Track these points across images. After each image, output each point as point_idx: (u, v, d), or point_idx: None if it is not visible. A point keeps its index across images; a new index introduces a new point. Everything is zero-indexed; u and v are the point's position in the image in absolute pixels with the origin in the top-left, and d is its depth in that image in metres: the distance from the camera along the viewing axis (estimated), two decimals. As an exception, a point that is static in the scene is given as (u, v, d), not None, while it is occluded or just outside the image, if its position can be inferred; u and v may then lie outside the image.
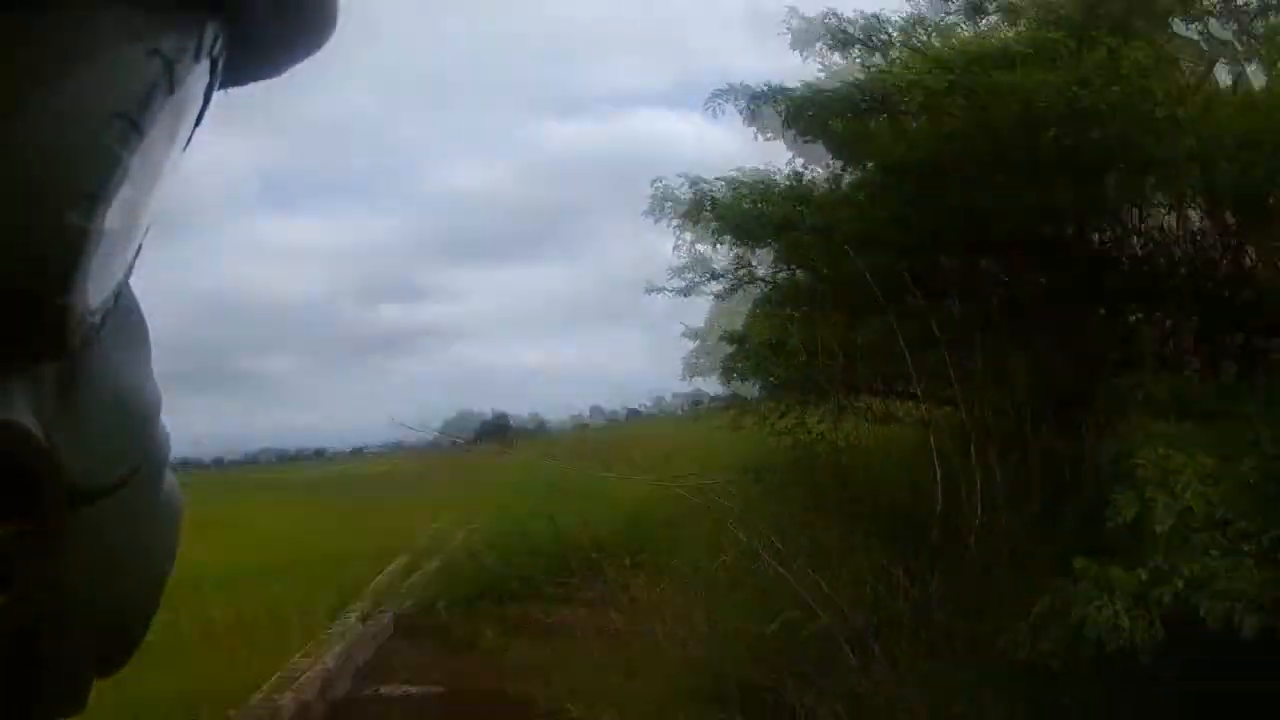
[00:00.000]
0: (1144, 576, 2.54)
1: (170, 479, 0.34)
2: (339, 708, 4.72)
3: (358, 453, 30.95)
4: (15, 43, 0.23)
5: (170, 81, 0.26)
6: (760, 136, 4.56)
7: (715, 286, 5.37)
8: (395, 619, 6.16)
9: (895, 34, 4.22)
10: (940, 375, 3.65)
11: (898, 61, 3.98)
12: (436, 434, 7.04)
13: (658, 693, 3.38)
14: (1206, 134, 3.27)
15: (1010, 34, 4.19)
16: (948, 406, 3.85)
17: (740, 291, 5.44)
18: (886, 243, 4.01)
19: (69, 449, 0.26)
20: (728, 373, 5.68)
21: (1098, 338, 3.86)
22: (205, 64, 0.28)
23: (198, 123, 0.31)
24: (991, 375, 3.55)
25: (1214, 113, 3.52)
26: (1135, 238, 4.25)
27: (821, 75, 4.34)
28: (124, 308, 0.30)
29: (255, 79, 0.35)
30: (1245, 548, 2.51)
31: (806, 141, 4.44)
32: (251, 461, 33.53)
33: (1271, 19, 3.95)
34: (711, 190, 4.58)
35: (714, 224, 4.61)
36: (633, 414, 19.48)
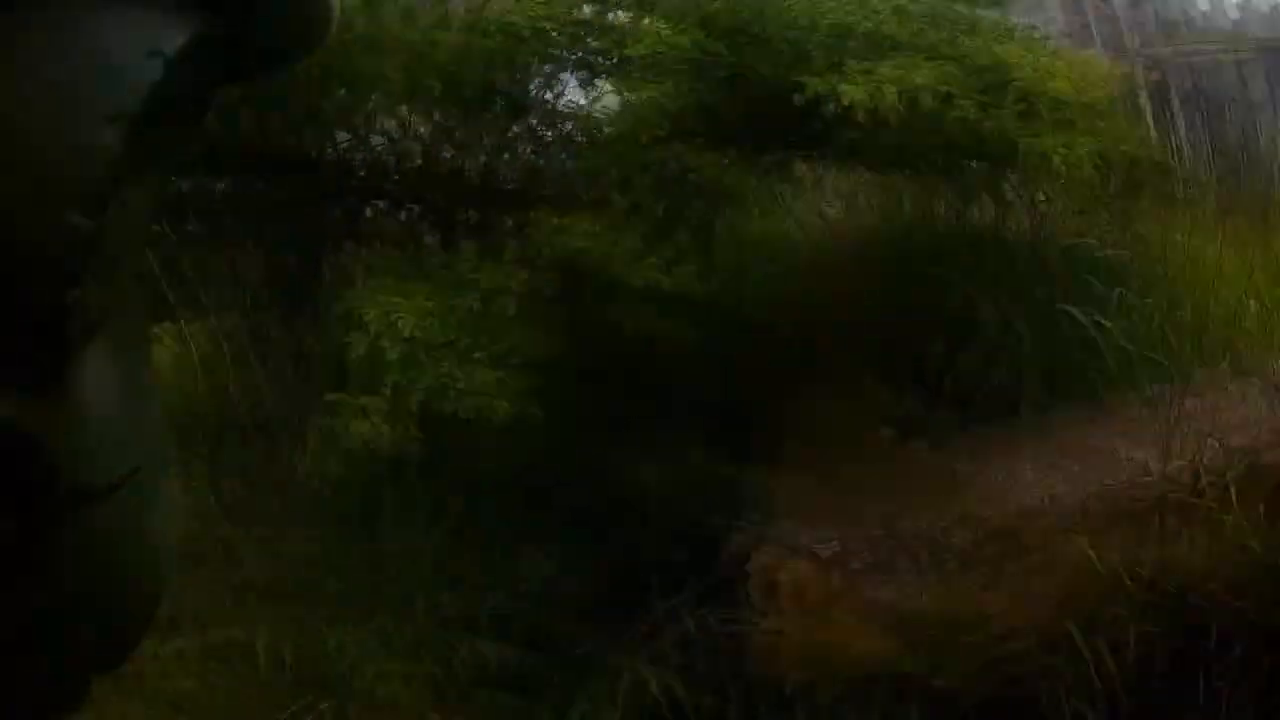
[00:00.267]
0: (387, 393, 3.14)
1: (169, 483, 0.34)
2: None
3: None
4: (13, 42, 0.23)
5: (170, 81, 0.26)
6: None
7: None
8: None
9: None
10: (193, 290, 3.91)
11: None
12: None
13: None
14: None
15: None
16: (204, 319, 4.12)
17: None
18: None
19: (66, 449, 0.26)
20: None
21: (334, 231, 4.39)
22: (205, 63, 0.28)
23: (198, 122, 0.32)
24: (238, 281, 3.94)
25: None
26: (366, 145, 4.52)
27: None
28: (123, 310, 0.30)
29: (254, 78, 0.35)
30: (476, 356, 3.20)
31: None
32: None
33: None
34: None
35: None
36: None
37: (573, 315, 3.53)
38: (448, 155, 4.45)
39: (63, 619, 0.29)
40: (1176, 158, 4.35)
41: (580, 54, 3.80)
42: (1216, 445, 3.32)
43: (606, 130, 3.58)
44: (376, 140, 4.67)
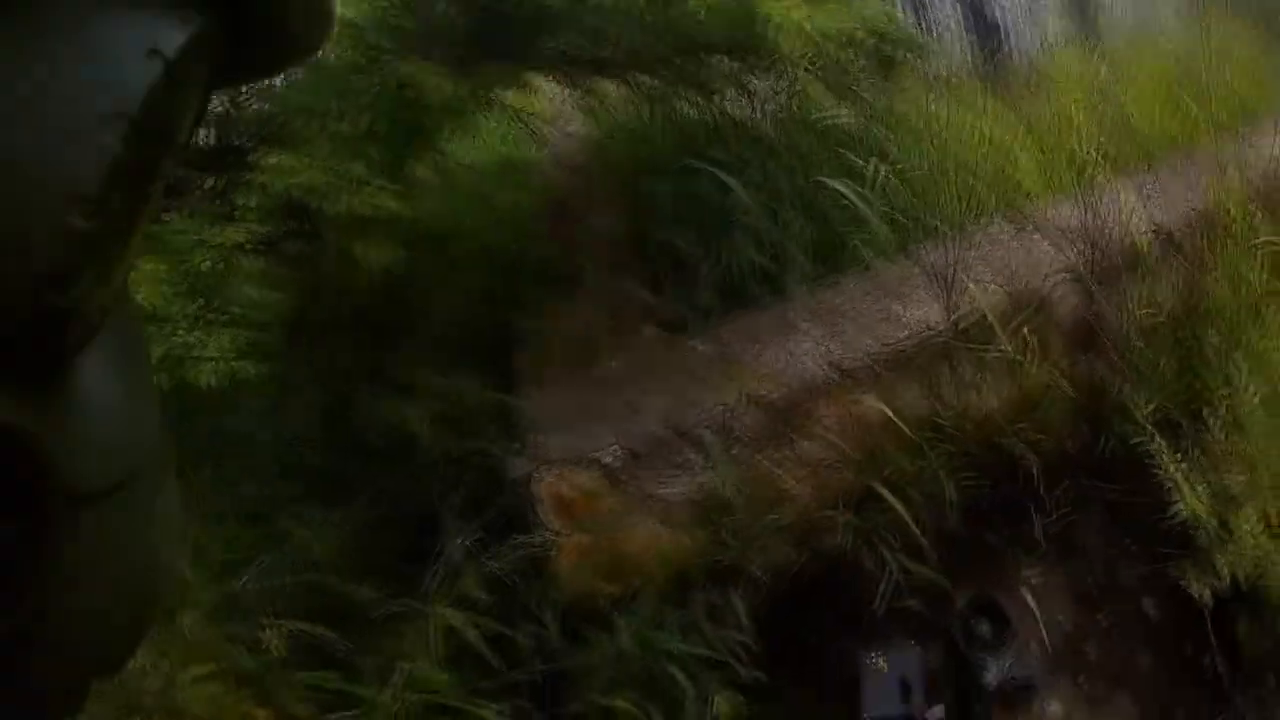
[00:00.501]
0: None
1: (170, 485, 0.33)
2: None
3: None
4: (13, 43, 0.22)
5: (169, 81, 0.25)
6: None
7: None
8: None
9: None
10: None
11: None
12: None
13: None
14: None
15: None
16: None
17: None
18: None
19: (65, 451, 0.25)
20: None
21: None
22: (204, 63, 0.28)
23: (197, 122, 0.30)
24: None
25: None
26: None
27: None
28: (123, 311, 0.29)
29: (253, 78, 0.35)
30: (211, 318, 3.09)
31: None
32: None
33: None
34: None
35: None
36: None
37: (313, 260, 3.30)
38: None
39: (60, 622, 0.27)
40: (933, 36, 4.29)
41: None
42: (1003, 292, 3.18)
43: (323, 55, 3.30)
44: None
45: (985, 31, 4.33)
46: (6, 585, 0.25)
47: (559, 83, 3.69)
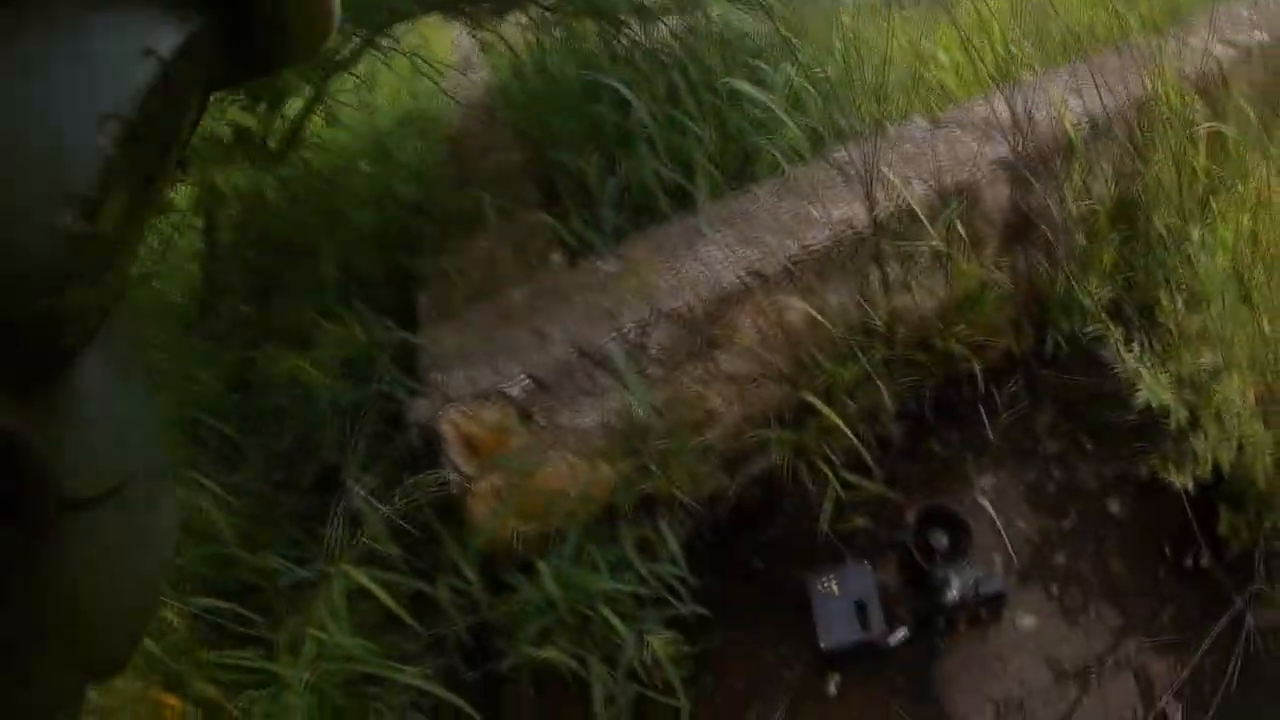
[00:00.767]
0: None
1: (167, 491, 0.31)
2: None
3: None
4: (5, 43, 0.21)
5: (165, 81, 0.24)
6: None
7: None
8: None
9: None
10: None
11: None
12: None
13: None
14: None
15: None
16: None
17: None
18: None
19: (59, 455, 0.24)
20: None
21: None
22: (202, 63, 0.26)
23: (196, 123, 0.28)
24: None
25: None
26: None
27: None
28: (120, 315, 0.27)
29: (253, 78, 0.31)
30: None
31: None
32: None
33: None
34: None
35: None
36: None
37: (209, 215, 3.02)
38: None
39: (56, 626, 0.26)
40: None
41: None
42: (928, 186, 2.87)
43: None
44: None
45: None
46: (1, 589, 0.23)
47: (462, 25, 3.42)
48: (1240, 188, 2.90)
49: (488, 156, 3.20)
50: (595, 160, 2.97)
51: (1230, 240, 2.75)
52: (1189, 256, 2.68)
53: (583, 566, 2.66)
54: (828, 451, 2.84)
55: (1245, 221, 2.71)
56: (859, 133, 2.84)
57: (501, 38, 3.31)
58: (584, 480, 2.72)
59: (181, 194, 2.65)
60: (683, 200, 2.95)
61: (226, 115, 2.50)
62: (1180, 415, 2.57)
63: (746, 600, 2.91)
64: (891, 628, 2.76)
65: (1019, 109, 2.98)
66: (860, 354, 2.81)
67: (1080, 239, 3.00)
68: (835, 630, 2.74)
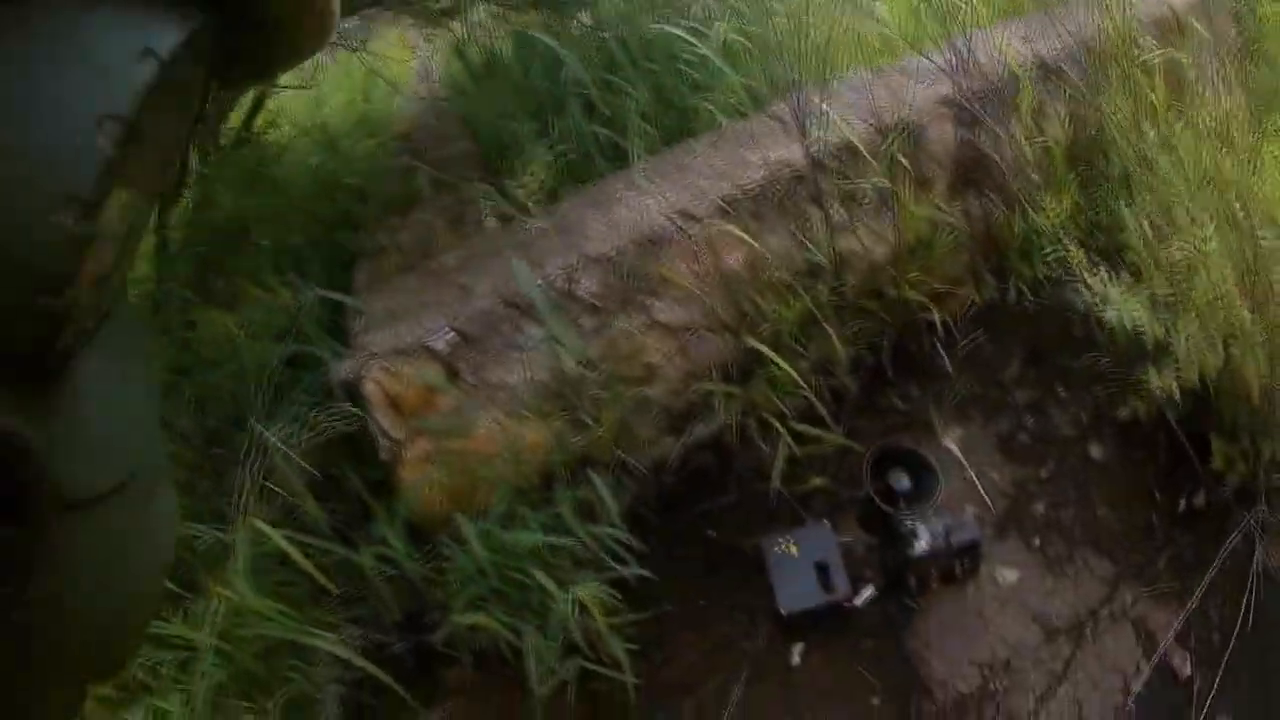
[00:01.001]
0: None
1: (167, 489, 0.29)
2: None
3: None
4: (5, 44, 0.20)
5: (165, 82, 0.23)
6: None
7: None
8: None
9: None
10: None
11: None
12: None
13: None
14: None
15: None
16: None
17: None
18: None
19: (62, 455, 0.22)
20: None
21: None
22: (201, 64, 0.25)
23: (196, 123, 0.27)
24: None
25: None
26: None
27: None
28: (121, 314, 0.26)
29: (253, 79, 0.30)
30: None
31: None
32: None
33: None
34: None
35: None
36: None
37: (161, 214, 2.89)
38: None
39: (57, 625, 0.25)
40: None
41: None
42: (868, 125, 2.66)
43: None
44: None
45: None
46: (2, 589, 0.22)
47: (416, 26, 3.35)
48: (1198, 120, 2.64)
49: (437, 147, 3.07)
50: (528, 126, 2.82)
51: (1192, 145, 2.46)
52: (1149, 158, 2.39)
53: (515, 529, 2.37)
54: (779, 404, 2.55)
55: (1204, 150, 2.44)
56: (798, 83, 2.65)
57: (453, 33, 3.22)
58: (516, 441, 2.46)
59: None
60: (621, 162, 2.77)
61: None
62: (1155, 330, 2.26)
63: (700, 570, 2.58)
64: (856, 588, 2.42)
65: (963, 53, 2.78)
66: (806, 298, 2.55)
67: (1036, 178, 2.75)
68: (795, 594, 2.40)
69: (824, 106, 2.59)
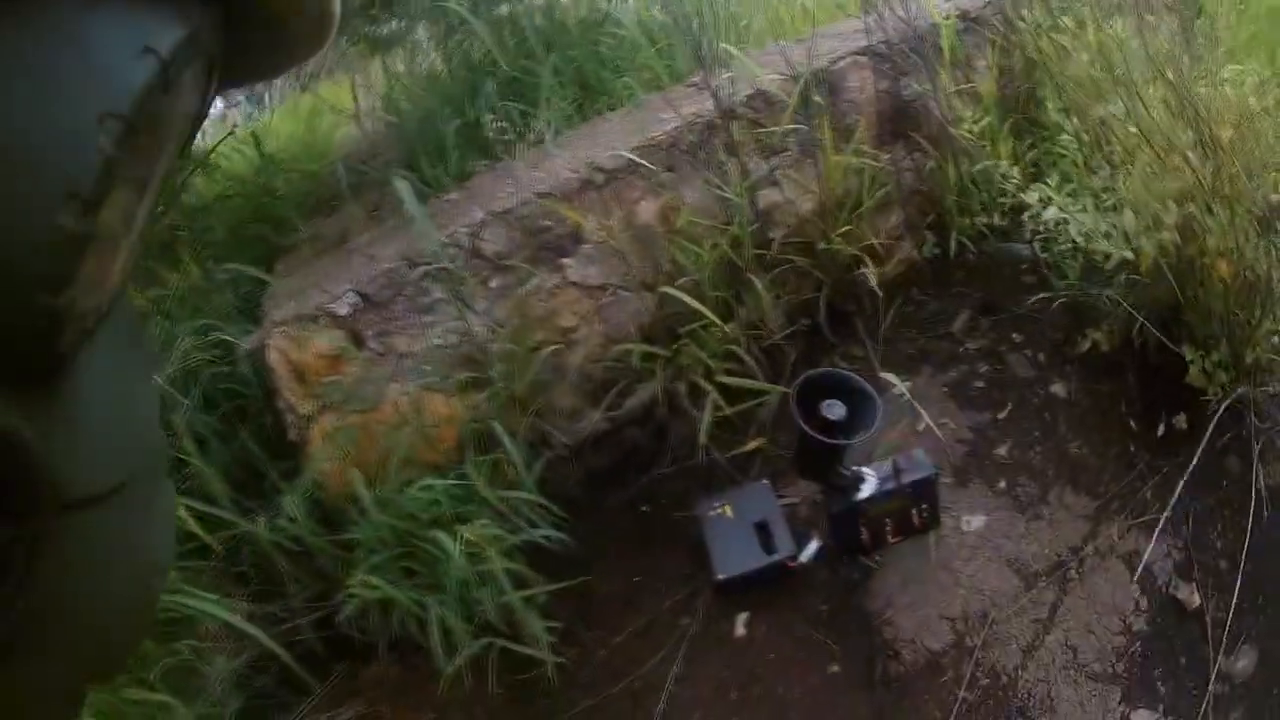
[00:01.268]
0: None
1: (167, 488, 0.28)
2: None
3: None
4: (4, 41, 0.19)
5: (165, 80, 0.21)
6: None
7: None
8: None
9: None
10: None
11: None
12: None
13: None
14: None
15: None
16: None
17: None
18: None
19: (61, 455, 0.21)
20: None
21: None
22: (201, 63, 0.23)
23: (196, 123, 0.25)
24: None
25: None
26: None
27: None
28: (120, 313, 0.25)
29: (254, 79, 0.29)
30: None
31: None
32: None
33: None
34: None
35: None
36: None
37: None
38: None
39: (55, 627, 0.23)
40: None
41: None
42: (782, 76, 2.47)
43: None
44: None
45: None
46: (1, 589, 0.20)
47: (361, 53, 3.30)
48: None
49: (370, 159, 2.93)
50: (443, 111, 2.67)
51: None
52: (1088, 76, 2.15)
53: (421, 499, 2.03)
54: (706, 362, 2.25)
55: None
56: (715, 56, 2.48)
57: (384, 62, 3.14)
58: (425, 409, 2.16)
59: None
60: (537, 140, 2.59)
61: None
62: (1100, 227, 1.97)
63: (633, 547, 2.20)
64: (802, 544, 2.03)
65: (882, 10, 2.62)
66: (727, 247, 2.29)
67: (968, 128, 2.53)
68: (733, 558, 2.02)
69: (733, 51, 2.41)
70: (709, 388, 2.19)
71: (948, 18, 2.60)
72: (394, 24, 3.11)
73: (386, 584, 1.89)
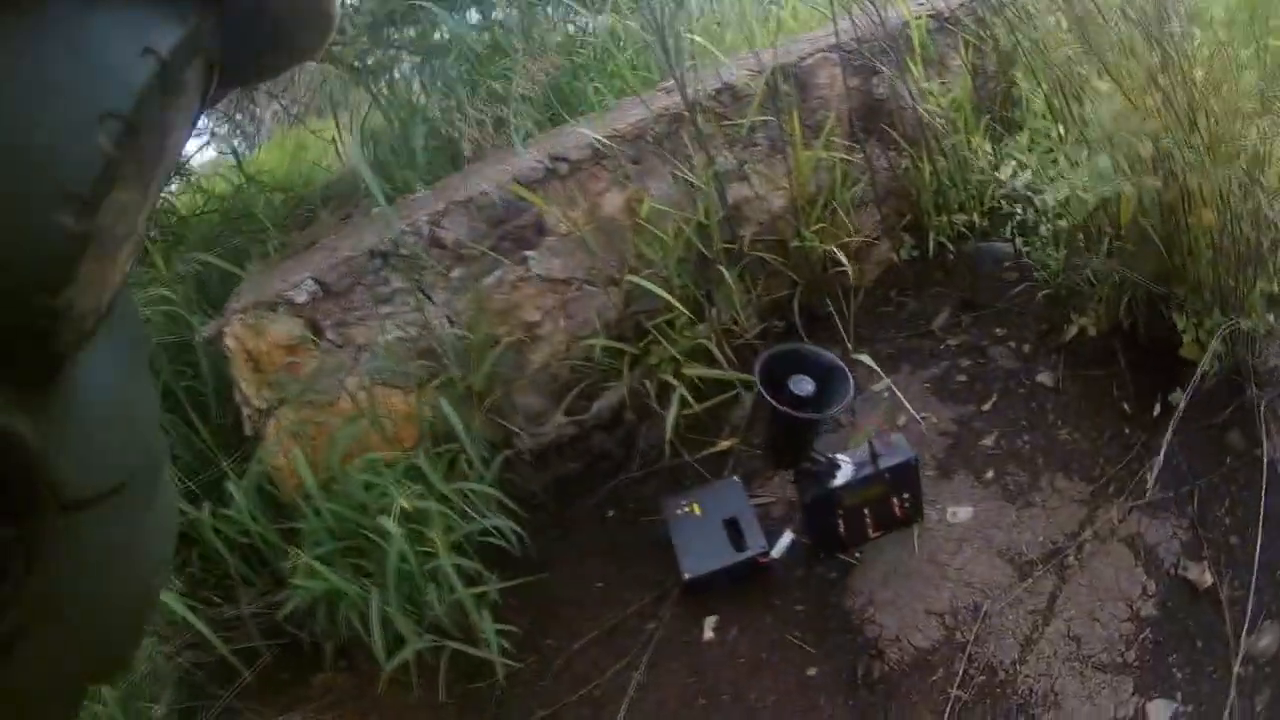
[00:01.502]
0: None
1: (167, 488, 0.27)
2: None
3: None
4: (3, 41, 0.18)
5: (164, 80, 0.21)
6: None
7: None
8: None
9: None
10: None
11: None
12: None
13: None
14: None
15: None
16: None
17: None
18: None
19: (59, 455, 0.21)
20: None
21: None
22: (201, 63, 0.23)
23: (196, 123, 0.25)
24: None
25: None
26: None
27: None
28: (121, 313, 0.24)
29: (254, 80, 0.28)
30: None
31: None
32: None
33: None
34: None
35: None
36: None
37: None
38: None
39: (55, 627, 0.22)
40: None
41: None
42: (750, 71, 2.37)
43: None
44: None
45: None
46: (1, 590, 0.20)
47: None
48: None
49: (349, 183, 2.84)
50: (420, 128, 2.58)
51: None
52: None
53: (371, 485, 1.85)
54: (676, 355, 2.08)
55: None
56: (689, 66, 2.39)
57: (372, 92, 3.10)
58: (381, 403, 1.99)
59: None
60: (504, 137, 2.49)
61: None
62: (1076, 178, 1.82)
63: (599, 553, 1.99)
64: (774, 539, 1.82)
65: (854, 12, 2.52)
66: (695, 239, 2.16)
67: (944, 126, 2.42)
68: (701, 556, 1.81)
69: (699, 40, 2.32)
70: (677, 383, 2.02)
71: (919, 17, 2.52)
72: (378, 54, 3.06)
73: (330, 573, 1.69)
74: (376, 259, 2.05)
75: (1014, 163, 1.98)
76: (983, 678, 1.50)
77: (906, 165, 2.44)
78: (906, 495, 1.75)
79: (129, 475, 0.25)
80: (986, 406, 2.01)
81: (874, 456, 1.74)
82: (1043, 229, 2.14)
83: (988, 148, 2.11)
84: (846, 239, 2.31)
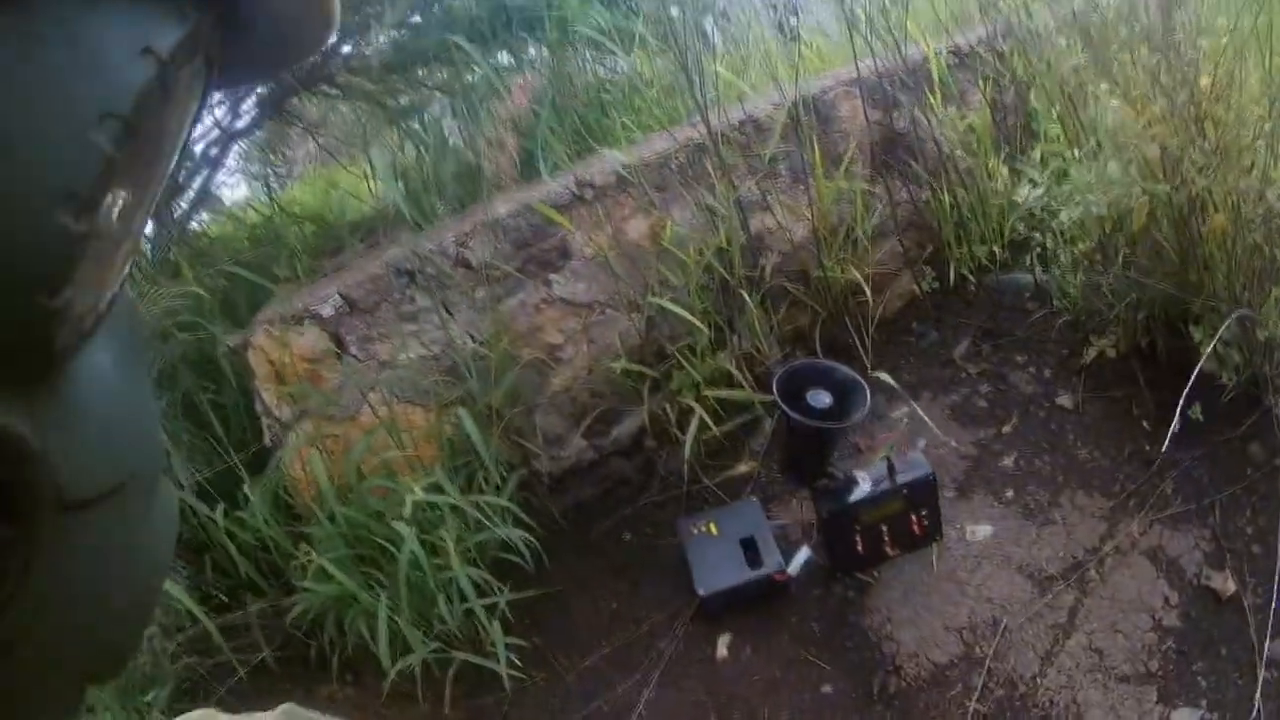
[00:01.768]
0: None
1: (166, 488, 0.28)
2: None
3: None
4: (3, 39, 0.19)
5: (164, 80, 0.22)
6: None
7: None
8: None
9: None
10: None
11: None
12: None
13: None
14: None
15: None
16: None
17: None
18: None
19: (59, 455, 0.22)
20: None
21: None
22: (201, 62, 0.24)
23: (195, 123, 0.26)
24: None
25: None
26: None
27: None
28: (120, 313, 0.25)
29: (254, 79, 0.29)
30: None
31: None
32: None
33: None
34: None
35: None
36: None
37: None
38: None
39: (54, 629, 0.23)
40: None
41: None
42: (772, 105, 2.51)
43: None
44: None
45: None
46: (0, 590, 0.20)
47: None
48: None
49: (378, 222, 3.02)
50: (444, 150, 2.75)
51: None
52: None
53: (389, 501, 1.93)
54: (697, 379, 2.17)
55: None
56: (713, 102, 2.54)
57: (404, 130, 3.30)
58: (401, 418, 2.09)
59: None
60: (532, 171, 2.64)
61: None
62: (1088, 178, 1.88)
63: (614, 573, 2.03)
64: (790, 555, 1.86)
65: (876, 49, 2.65)
66: (718, 266, 2.26)
67: (965, 158, 2.53)
68: (716, 573, 1.85)
69: (723, 73, 2.46)
70: (697, 406, 2.09)
71: (939, 53, 2.65)
72: (412, 95, 3.27)
73: (341, 576, 1.75)
74: (403, 277, 2.17)
75: (1029, 182, 2.07)
76: (1002, 691, 1.51)
77: (927, 197, 2.54)
78: (925, 512, 1.79)
79: (129, 475, 0.25)
80: (1006, 429, 2.05)
81: (892, 472, 1.79)
82: (1061, 255, 2.21)
83: (1004, 172, 2.20)
84: (868, 269, 2.40)
